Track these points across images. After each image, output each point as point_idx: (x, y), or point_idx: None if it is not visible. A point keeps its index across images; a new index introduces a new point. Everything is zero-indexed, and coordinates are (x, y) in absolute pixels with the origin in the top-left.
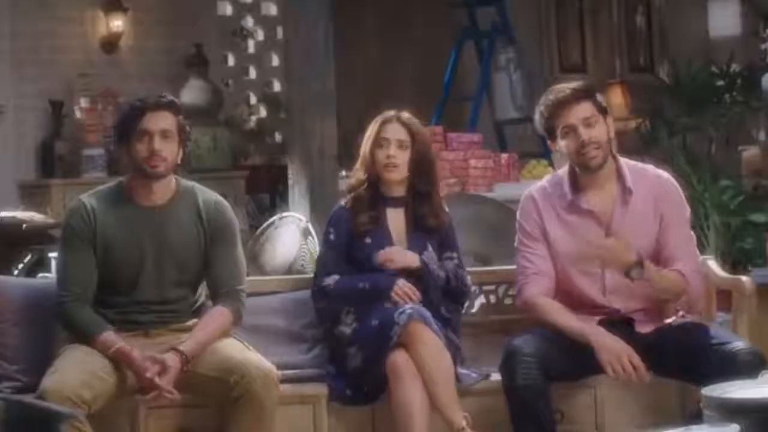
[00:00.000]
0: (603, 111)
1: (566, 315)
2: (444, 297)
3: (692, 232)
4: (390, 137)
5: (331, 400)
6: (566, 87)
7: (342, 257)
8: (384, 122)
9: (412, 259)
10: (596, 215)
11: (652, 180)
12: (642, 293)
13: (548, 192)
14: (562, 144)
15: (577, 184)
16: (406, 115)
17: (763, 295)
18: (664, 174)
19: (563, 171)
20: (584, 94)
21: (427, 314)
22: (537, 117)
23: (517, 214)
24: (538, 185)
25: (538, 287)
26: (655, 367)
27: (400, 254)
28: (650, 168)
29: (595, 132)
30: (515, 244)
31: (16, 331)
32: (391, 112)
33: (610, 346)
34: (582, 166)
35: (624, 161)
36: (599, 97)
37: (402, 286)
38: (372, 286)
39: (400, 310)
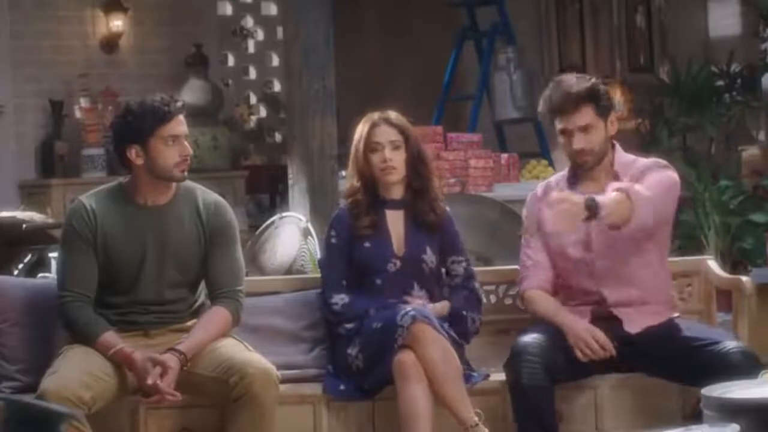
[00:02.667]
0: (605, 110)
1: (548, 304)
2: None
3: (666, 182)
4: (382, 140)
5: (324, 392)
6: (570, 87)
7: (344, 262)
8: (373, 126)
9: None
10: None
11: (636, 166)
12: (633, 281)
13: (551, 186)
14: (560, 141)
15: (574, 177)
16: (392, 114)
17: (763, 295)
18: (649, 159)
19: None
20: (586, 98)
21: (430, 314)
22: (540, 108)
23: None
24: (545, 182)
25: (533, 280)
26: (647, 368)
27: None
28: (641, 159)
29: (590, 138)
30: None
31: (16, 331)
32: (376, 115)
33: (575, 329)
34: (575, 166)
35: (620, 155)
36: (603, 95)
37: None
38: (384, 326)
39: (403, 312)
